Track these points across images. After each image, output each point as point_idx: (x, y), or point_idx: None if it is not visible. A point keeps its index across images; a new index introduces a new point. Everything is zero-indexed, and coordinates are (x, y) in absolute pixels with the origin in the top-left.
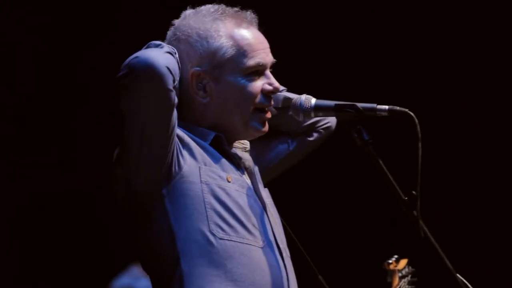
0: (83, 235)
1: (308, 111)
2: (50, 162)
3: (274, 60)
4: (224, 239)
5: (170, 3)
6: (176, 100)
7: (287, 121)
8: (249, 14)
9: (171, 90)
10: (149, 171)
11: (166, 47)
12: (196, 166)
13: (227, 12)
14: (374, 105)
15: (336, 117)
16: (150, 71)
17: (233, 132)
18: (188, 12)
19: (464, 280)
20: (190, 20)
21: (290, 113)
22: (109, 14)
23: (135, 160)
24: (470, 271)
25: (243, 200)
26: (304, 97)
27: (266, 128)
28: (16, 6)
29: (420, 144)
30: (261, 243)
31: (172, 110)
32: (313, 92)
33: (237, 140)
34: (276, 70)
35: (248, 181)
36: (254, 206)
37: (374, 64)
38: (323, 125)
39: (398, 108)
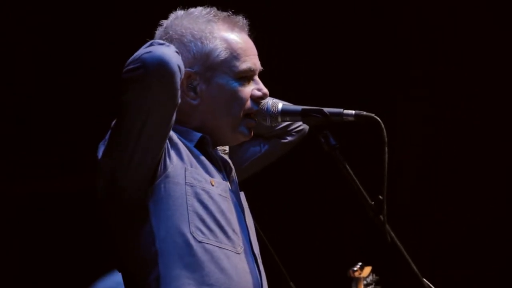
0: (83, 235)
1: (275, 115)
2: (50, 162)
3: (262, 68)
4: (203, 242)
5: (170, 4)
6: (180, 100)
7: (260, 124)
8: (241, 19)
9: (178, 89)
10: (140, 167)
11: (173, 46)
12: (182, 167)
13: (219, 15)
14: (340, 110)
15: (303, 122)
16: (163, 68)
17: (220, 135)
18: (180, 13)
19: (431, 285)
20: (183, 20)
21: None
22: (109, 14)
23: (129, 154)
24: (470, 270)
25: (224, 205)
26: (271, 101)
27: (251, 134)
28: (15, 6)
29: (386, 149)
30: (238, 249)
31: (175, 109)
32: (304, 96)
33: (222, 144)
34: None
35: (229, 185)
36: (234, 211)
37: (370, 65)
38: (296, 128)
39: (364, 113)
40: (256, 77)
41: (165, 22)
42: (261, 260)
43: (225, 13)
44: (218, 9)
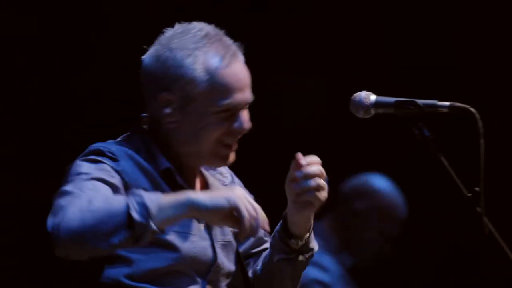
0: None
1: (368, 107)
2: (50, 165)
3: (251, 100)
4: (142, 282)
5: (171, 6)
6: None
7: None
8: (234, 45)
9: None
10: None
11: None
12: None
13: (212, 39)
14: (435, 101)
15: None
16: (76, 243)
17: (195, 160)
18: (176, 28)
19: None
20: (175, 39)
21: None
22: (110, 17)
23: None
24: None
25: (181, 243)
26: (363, 93)
27: (230, 160)
28: (14, 6)
29: (482, 141)
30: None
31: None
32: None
33: (199, 166)
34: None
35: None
36: (194, 247)
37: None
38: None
39: (459, 104)
40: (242, 111)
41: (163, 37)
42: None
43: (220, 35)
44: (217, 26)
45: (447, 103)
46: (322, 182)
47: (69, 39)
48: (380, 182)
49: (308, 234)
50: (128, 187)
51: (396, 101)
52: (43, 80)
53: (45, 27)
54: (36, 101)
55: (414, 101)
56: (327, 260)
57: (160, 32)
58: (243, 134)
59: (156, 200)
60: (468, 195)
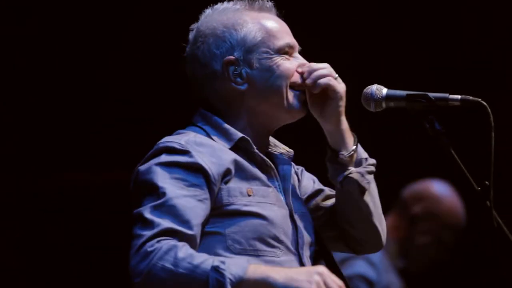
0: (84, 235)
1: (379, 100)
2: (54, 160)
3: (300, 48)
4: (241, 253)
5: (175, 8)
6: None
7: None
8: (267, 2)
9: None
10: None
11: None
12: (217, 188)
13: (245, 3)
14: (446, 94)
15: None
16: None
17: (274, 116)
18: (207, 11)
19: None
20: (212, 16)
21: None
22: (113, 18)
23: None
24: None
25: (265, 212)
26: (375, 87)
27: (305, 110)
28: (13, 7)
29: (493, 134)
30: (279, 253)
31: None
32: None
33: (275, 125)
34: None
35: (276, 186)
36: (277, 215)
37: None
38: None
39: (471, 97)
40: (297, 54)
41: (195, 25)
42: (311, 257)
43: (250, 2)
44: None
45: (458, 96)
46: (331, 70)
47: (73, 38)
48: (439, 188)
49: (353, 145)
50: (206, 175)
51: (407, 94)
52: (43, 80)
53: (49, 27)
54: (36, 101)
55: (425, 94)
56: (376, 256)
57: (161, 31)
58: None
59: (236, 276)
60: (478, 188)
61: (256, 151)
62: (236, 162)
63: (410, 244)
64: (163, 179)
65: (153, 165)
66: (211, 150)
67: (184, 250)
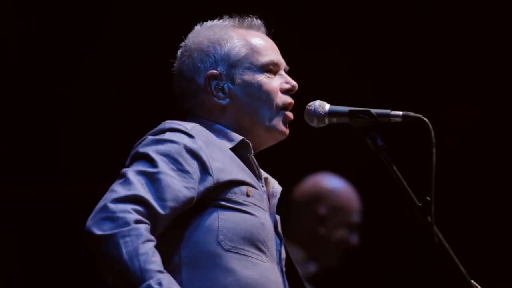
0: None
1: (322, 116)
2: (50, 170)
3: (287, 67)
4: (230, 251)
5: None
6: None
7: None
8: (255, 20)
9: None
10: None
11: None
12: (217, 182)
13: (233, 20)
14: (388, 111)
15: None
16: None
17: (255, 134)
18: (196, 27)
19: (478, 286)
20: (199, 32)
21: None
22: (110, 17)
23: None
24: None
25: (258, 214)
26: (318, 102)
27: (288, 130)
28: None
29: (434, 150)
30: (264, 258)
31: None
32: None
33: (259, 146)
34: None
35: (265, 192)
36: (268, 222)
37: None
38: None
39: (412, 113)
40: (282, 72)
41: (184, 42)
42: (284, 270)
43: (239, 19)
44: (231, 16)
45: (400, 113)
46: None
47: (71, 39)
48: (330, 182)
49: None
50: (203, 163)
51: (350, 110)
52: (42, 80)
53: (49, 27)
54: (35, 101)
55: (367, 110)
56: None
57: (159, 33)
58: (292, 93)
59: None
60: (419, 204)
61: (253, 157)
62: (236, 162)
63: (327, 243)
64: (159, 155)
65: (155, 139)
66: (213, 142)
67: (147, 246)
